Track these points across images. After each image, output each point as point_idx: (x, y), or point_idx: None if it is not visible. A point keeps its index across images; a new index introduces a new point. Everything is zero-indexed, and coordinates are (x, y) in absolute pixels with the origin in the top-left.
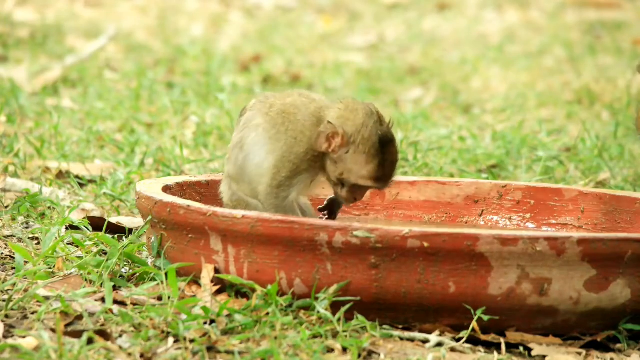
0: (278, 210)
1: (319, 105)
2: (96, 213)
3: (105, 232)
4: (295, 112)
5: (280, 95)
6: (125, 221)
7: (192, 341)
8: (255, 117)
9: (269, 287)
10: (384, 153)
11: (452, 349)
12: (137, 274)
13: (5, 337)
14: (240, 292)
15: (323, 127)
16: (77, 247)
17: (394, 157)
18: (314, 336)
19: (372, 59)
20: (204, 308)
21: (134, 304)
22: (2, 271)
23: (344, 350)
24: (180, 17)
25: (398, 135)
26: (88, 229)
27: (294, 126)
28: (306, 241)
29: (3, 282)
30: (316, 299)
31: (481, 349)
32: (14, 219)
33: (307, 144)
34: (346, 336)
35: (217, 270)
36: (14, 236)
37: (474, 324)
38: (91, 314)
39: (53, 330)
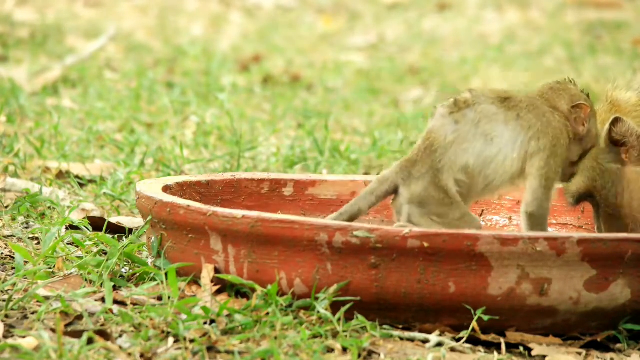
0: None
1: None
2: (96, 213)
3: (105, 232)
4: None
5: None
6: (125, 221)
7: (192, 341)
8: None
9: (269, 287)
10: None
11: (452, 349)
12: (137, 274)
13: (5, 337)
14: (241, 292)
15: (570, 112)
16: (77, 247)
17: None
18: (314, 336)
19: (372, 59)
20: (204, 308)
21: (134, 304)
22: (2, 271)
23: (344, 350)
24: (180, 17)
25: (398, 136)
26: (88, 229)
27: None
28: (306, 241)
29: (3, 282)
30: (316, 299)
31: (481, 349)
32: (14, 219)
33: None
34: (346, 336)
35: (217, 270)
36: (14, 236)
37: (474, 324)
38: (91, 314)
39: (53, 330)
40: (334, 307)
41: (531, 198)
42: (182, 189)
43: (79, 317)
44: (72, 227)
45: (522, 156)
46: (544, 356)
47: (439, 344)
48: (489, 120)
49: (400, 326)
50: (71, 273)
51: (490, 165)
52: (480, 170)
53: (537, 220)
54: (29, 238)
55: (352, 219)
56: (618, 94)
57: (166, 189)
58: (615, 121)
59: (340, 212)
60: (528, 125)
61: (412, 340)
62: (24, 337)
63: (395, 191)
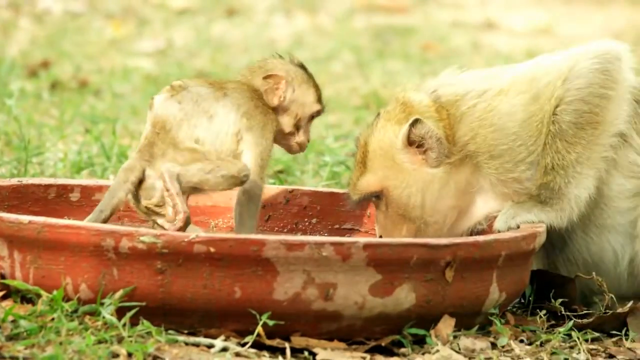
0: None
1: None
2: None
3: None
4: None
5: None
6: None
7: None
8: None
9: (55, 292)
10: (311, 76)
11: (237, 354)
12: None
13: None
14: (26, 298)
15: (262, 84)
16: None
17: (314, 77)
18: (100, 341)
19: (161, 64)
20: None
21: None
22: None
23: (129, 355)
24: None
25: None
26: None
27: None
28: (92, 246)
29: None
30: (102, 304)
31: (266, 353)
32: None
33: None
34: (131, 341)
35: (2, 276)
36: None
37: (259, 329)
38: None
39: None
40: (120, 312)
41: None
42: None
43: None
44: None
45: (236, 132)
46: None
47: (224, 349)
48: (204, 99)
49: (186, 331)
50: None
51: (216, 140)
52: (211, 143)
53: (253, 197)
54: None
55: (114, 211)
56: (410, 95)
57: None
58: (415, 122)
59: (100, 210)
60: (237, 103)
61: (197, 345)
62: None
63: (143, 174)
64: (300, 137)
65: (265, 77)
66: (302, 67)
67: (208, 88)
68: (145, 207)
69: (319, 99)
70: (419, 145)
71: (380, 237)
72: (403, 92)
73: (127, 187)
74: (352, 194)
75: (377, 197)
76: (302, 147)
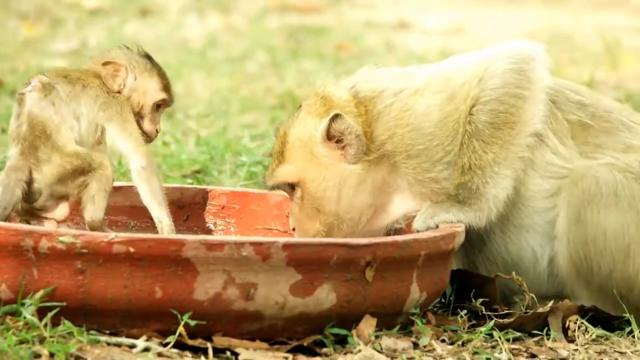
0: None
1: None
2: None
3: None
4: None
5: None
6: None
7: None
8: None
9: None
10: (156, 66)
11: (160, 354)
12: None
13: None
14: None
15: (102, 70)
16: None
17: (162, 67)
18: (21, 342)
19: (75, 64)
20: None
21: None
22: None
23: (52, 355)
24: None
25: None
26: None
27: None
28: (12, 246)
29: None
30: (22, 304)
31: (188, 354)
32: None
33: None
34: (53, 342)
35: None
36: None
37: (180, 329)
38: None
39: None
40: (41, 312)
41: (137, 155)
42: None
43: None
44: None
45: (97, 124)
46: None
47: (146, 349)
48: (70, 98)
49: (108, 331)
50: None
51: (88, 138)
52: (85, 142)
53: (151, 172)
54: None
55: (10, 207)
56: (330, 89)
57: None
58: (335, 117)
59: (4, 207)
60: (95, 94)
61: (119, 345)
62: None
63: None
64: (146, 126)
65: (105, 64)
66: (147, 57)
67: (68, 84)
68: (25, 209)
69: (165, 89)
70: (338, 141)
71: (294, 229)
72: (323, 86)
73: (22, 185)
74: (267, 181)
75: (292, 187)
76: (149, 136)
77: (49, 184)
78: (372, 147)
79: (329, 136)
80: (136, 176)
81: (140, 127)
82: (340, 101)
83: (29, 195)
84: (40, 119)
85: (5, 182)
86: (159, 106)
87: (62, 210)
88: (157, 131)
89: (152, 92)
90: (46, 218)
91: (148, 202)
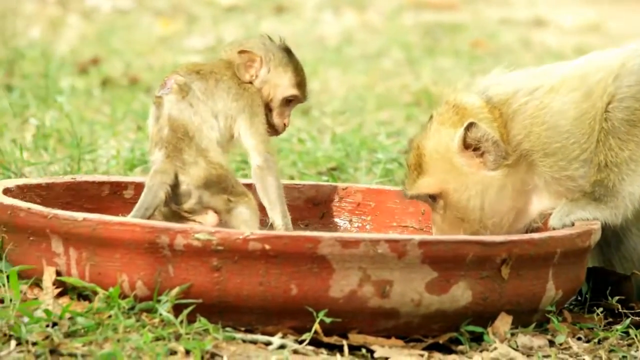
0: None
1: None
2: None
3: None
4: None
5: None
6: None
7: (34, 344)
8: None
9: (111, 289)
10: (293, 61)
11: (295, 351)
12: None
13: None
14: (83, 295)
15: (236, 58)
16: None
17: (300, 63)
18: (157, 339)
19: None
20: (46, 311)
21: None
22: None
23: (187, 352)
24: (19, 19)
25: None
26: None
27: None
28: (148, 243)
29: None
30: (158, 301)
31: (324, 351)
32: None
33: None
34: (189, 339)
35: (58, 273)
36: None
37: (316, 326)
38: None
39: None
40: (177, 309)
41: (255, 153)
42: (22, 192)
43: None
44: None
45: (230, 116)
46: (387, 358)
47: (282, 347)
48: (207, 96)
49: (243, 328)
50: None
51: (226, 134)
52: (225, 140)
53: (270, 170)
54: None
55: (151, 209)
56: (462, 97)
57: (6, 191)
58: (470, 126)
59: (145, 207)
60: (227, 86)
61: (254, 342)
62: None
63: (176, 179)
64: (274, 119)
65: (240, 52)
66: (286, 50)
67: (202, 81)
68: (174, 211)
69: (298, 85)
70: (475, 149)
71: None
72: (454, 93)
73: (166, 188)
74: (408, 192)
75: (433, 198)
76: (276, 130)
77: (196, 186)
78: (510, 148)
79: (465, 145)
80: (253, 174)
81: (268, 120)
82: (473, 108)
83: (178, 197)
84: (181, 122)
85: (150, 184)
86: (289, 101)
87: (212, 217)
88: (285, 125)
89: (283, 86)
90: (194, 221)
91: (261, 200)
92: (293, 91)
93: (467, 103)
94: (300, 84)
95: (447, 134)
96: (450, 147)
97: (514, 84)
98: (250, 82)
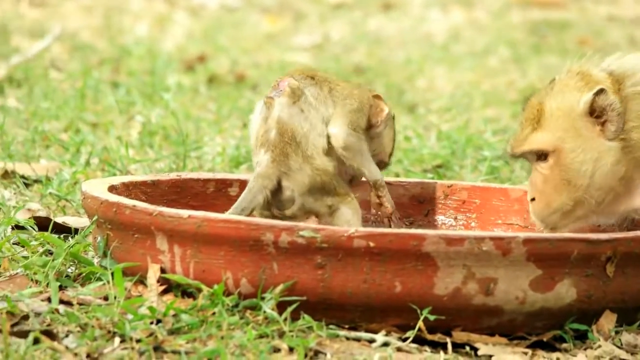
0: None
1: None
2: (42, 213)
3: (51, 232)
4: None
5: None
6: (71, 221)
7: (138, 341)
8: None
9: (215, 287)
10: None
11: (399, 349)
12: (83, 274)
13: None
14: (187, 292)
15: (370, 100)
16: (22, 247)
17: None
18: (261, 336)
19: (317, 58)
20: (150, 308)
21: (80, 304)
22: None
23: (291, 350)
24: (125, 16)
25: None
26: (34, 229)
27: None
28: (252, 241)
29: None
30: (262, 298)
31: (427, 348)
32: None
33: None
34: (292, 336)
35: (163, 270)
36: None
37: (420, 323)
38: (37, 314)
39: None
40: (280, 307)
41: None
42: (127, 189)
43: (25, 317)
44: (18, 227)
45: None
46: (490, 356)
47: (385, 344)
48: (319, 102)
49: (347, 326)
50: (17, 273)
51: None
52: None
53: (353, 149)
54: None
55: (247, 210)
56: (587, 67)
57: (112, 188)
58: (599, 92)
59: (242, 208)
60: (343, 94)
61: (358, 340)
62: None
63: (279, 184)
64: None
65: (375, 97)
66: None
67: (316, 87)
68: (275, 216)
69: (390, 153)
70: (598, 116)
71: (532, 199)
72: (579, 63)
73: (266, 193)
74: (514, 148)
75: (540, 157)
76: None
77: (300, 193)
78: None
79: (590, 110)
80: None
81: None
82: (599, 77)
83: (281, 202)
84: (290, 126)
85: (251, 185)
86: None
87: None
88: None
89: (384, 150)
90: None
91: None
92: (386, 159)
93: (593, 72)
94: (392, 153)
95: (572, 96)
96: (574, 107)
97: (635, 62)
98: (371, 127)
